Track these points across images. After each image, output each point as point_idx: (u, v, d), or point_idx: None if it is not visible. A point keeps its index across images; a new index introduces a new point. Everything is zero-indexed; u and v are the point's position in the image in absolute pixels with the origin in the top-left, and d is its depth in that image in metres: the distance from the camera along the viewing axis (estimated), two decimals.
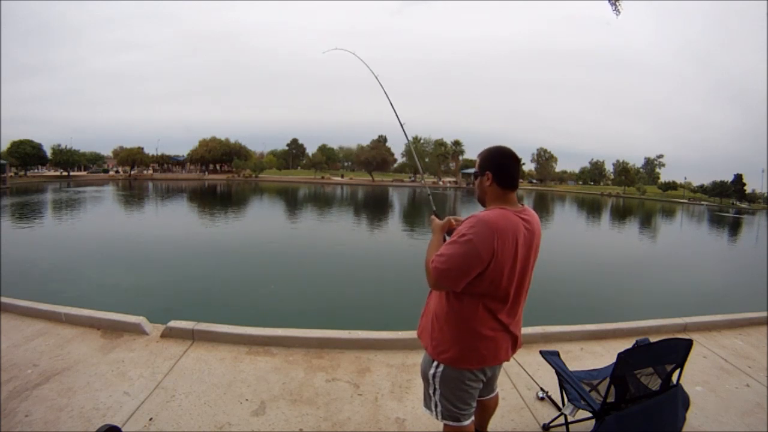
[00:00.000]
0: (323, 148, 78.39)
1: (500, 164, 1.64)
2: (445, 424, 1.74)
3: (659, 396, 1.95)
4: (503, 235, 1.52)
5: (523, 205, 1.68)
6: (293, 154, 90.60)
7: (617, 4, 2.98)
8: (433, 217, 1.88)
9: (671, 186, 71.83)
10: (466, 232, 1.52)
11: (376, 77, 2.79)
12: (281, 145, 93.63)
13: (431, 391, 1.74)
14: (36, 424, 2.27)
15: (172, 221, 19.55)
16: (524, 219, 1.61)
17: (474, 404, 1.76)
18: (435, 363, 1.70)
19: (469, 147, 75.79)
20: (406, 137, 2.58)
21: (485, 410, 2.00)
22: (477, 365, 1.66)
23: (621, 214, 35.90)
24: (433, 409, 1.75)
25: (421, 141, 72.32)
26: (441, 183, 73.06)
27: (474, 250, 1.49)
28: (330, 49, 3.28)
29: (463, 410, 1.71)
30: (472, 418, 1.77)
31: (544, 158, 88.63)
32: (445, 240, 1.74)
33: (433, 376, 1.71)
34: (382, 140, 79.11)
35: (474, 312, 1.61)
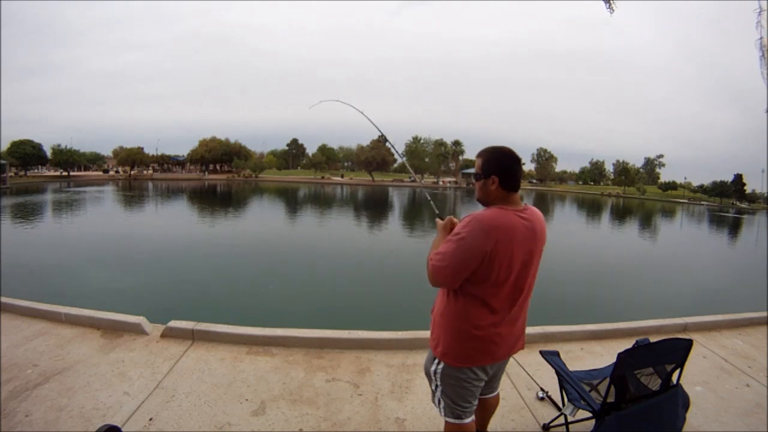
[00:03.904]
0: (323, 148, 78.44)
1: (506, 167, 1.63)
2: (446, 422, 1.76)
3: (659, 396, 1.95)
4: (498, 233, 1.52)
5: (525, 204, 1.68)
6: (293, 154, 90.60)
7: (611, 3, 2.99)
8: (437, 219, 1.90)
9: (671, 186, 71.83)
10: (460, 230, 1.55)
11: (370, 120, 2.79)
12: (281, 145, 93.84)
13: (433, 388, 1.78)
14: (36, 424, 2.27)
15: (172, 221, 19.57)
16: (524, 218, 1.60)
17: (475, 402, 1.77)
18: (436, 360, 1.73)
19: (469, 147, 75.88)
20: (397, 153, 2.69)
21: (486, 409, 2.00)
22: (471, 363, 1.68)
23: (621, 214, 35.89)
24: (437, 405, 1.78)
25: (421, 141, 72.36)
26: (441, 183, 73.07)
27: (466, 248, 1.52)
28: (316, 103, 3.29)
29: (464, 408, 1.73)
30: (473, 416, 1.78)
31: (544, 158, 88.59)
32: None
33: (434, 372, 1.74)
34: (381, 140, 79.01)
35: (470, 310, 1.62)
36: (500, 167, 1.63)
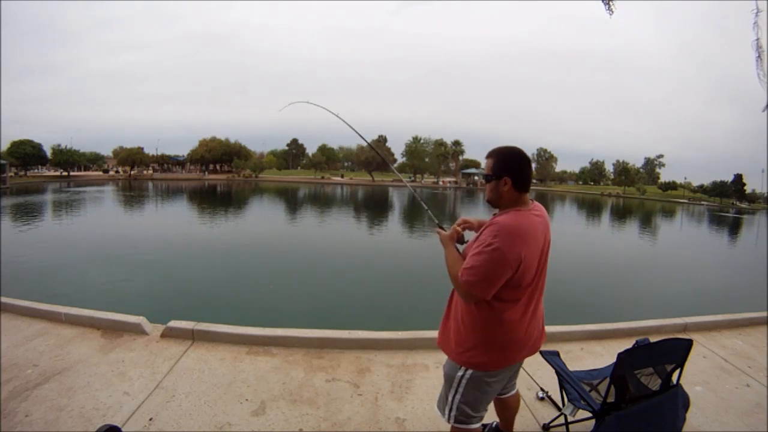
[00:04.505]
0: (323, 148, 78.40)
1: (518, 168, 1.62)
2: (454, 427, 1.75)
3: (659, 396, 1.95)
4: (527, 238, 1.54)
5: (532, 200, 1.70)
6: (293, 154, 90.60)
7: (610, 3, 2.98)
8: (438, 230, 1.87)
9: (671, 186, 71.80)
10: (491, 241, 1.51)
11: (342, 119, 2.70)
12: (281, 145, 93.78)
13: (451, 395, 1.73)
14: (36, 424, 2.27)
15: (173, 221, 19.54)
16: (538, 215, 1.64)
17: (487, 407, 1.79)
18: (463, 367, 1.69)
19: (469, 147, 76.17)
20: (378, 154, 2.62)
21: (508, 409, 2.05)
22: (501, 365, 1.69)
23: (621, 214, 35.89)
24: (447, 412, 1.75)
25: (421, 141, 72.33)
26: (441, 183, 73.05)
27: (503, 258, 1.49)
28: (286, 105, 3.17)
29: (477, 412, 1.74)
30: (480, 424, 1.78)
31: (544, 158, 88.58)
32: (456, 248, 1.77)
33: (460, 379, 1.70)
34: (382, 140, 79.11)
35: (503, 315, 1.61)
36: (512, 168, 1.62)
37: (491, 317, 1.61)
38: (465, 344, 1.68)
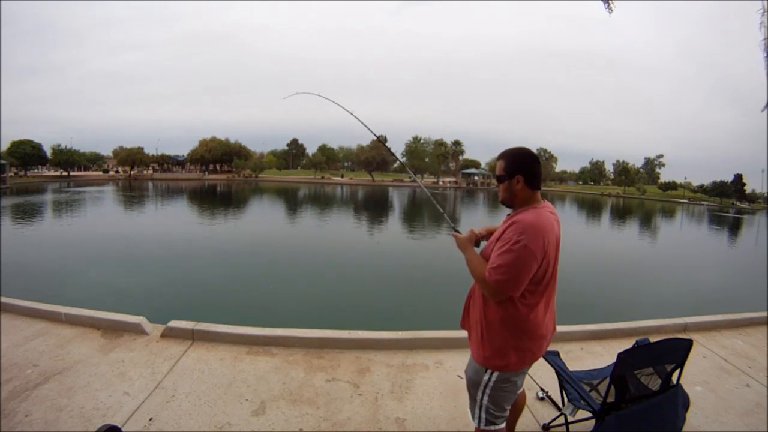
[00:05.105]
0: (323, 148, 78.38)
1: (529, 166, 1.68)
2: (483, 430, 1.75)
3: (659, 396, 1.95)
4: (547, 234, 1.59)
5: (544, 199, 1.74)
6: (293, 154, 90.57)
7: (610, 2, 2.99)
8: (455, 233, 1.89)
9: (671, 186, 71.84)
10: (518, 238, 1.55)
11: (352, 114, 2.75)
12: (281, 145, 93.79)
13: (479, 398, 1.74)
14: (36, 424, 2.27)
15: (172, 221, 19.55)
16: (552, 212, 1.69)
17: (511, 404, 1.81)
18: (489, 371, 1.70)
19: (469, 147, 76.18)
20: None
21: (516, 407, 2.05)
22: (526, 364, 1.72)
23: (621, 214, 35.89)
24: (478, 416, 1.75)
25: (421, 141, 72.34)
26: (441, 183, 73.08)
27: (530, 254, 1.54)
28: (291, 94, 3.20)
29: (504, 412, 1.76)
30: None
31: (544, 158, 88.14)
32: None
33: (487, 383, 1.71)
34: (381, 140, 78.99)
35: (530, 313, 1.65)
36: (524, 167, 1.67)
37: (516, 318, 1.64)
38: (491, 348, 1.69)
